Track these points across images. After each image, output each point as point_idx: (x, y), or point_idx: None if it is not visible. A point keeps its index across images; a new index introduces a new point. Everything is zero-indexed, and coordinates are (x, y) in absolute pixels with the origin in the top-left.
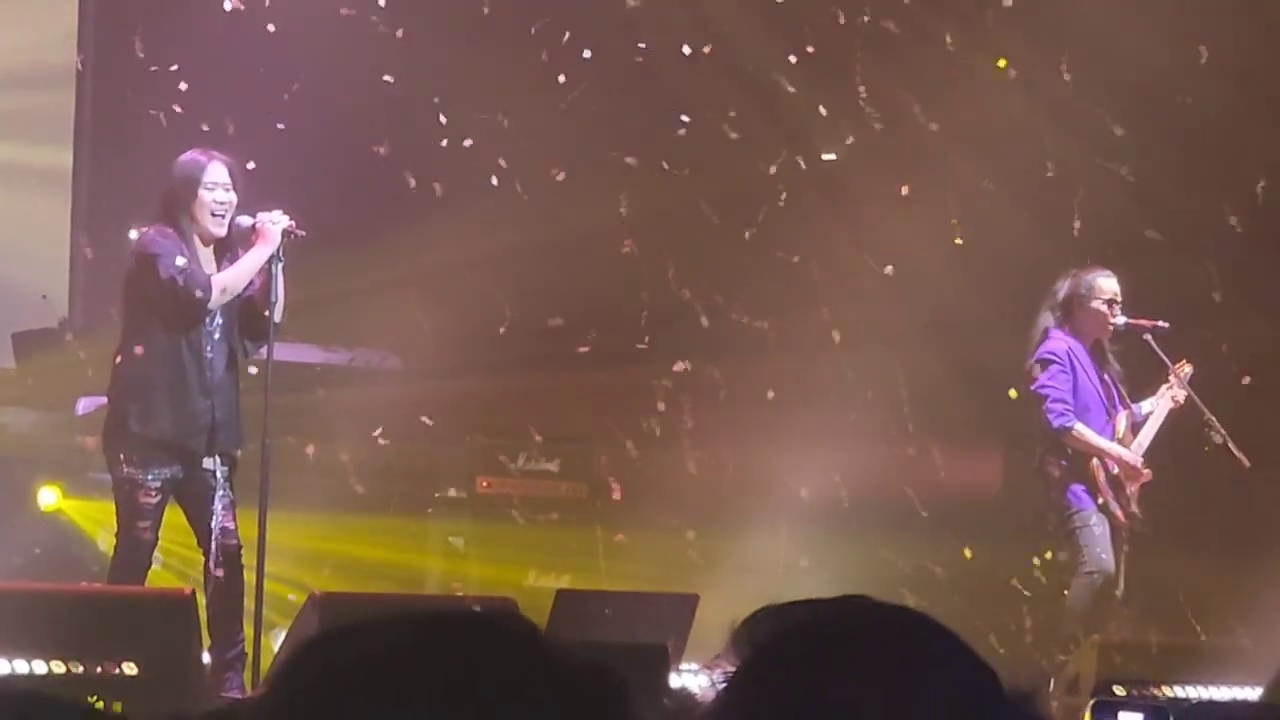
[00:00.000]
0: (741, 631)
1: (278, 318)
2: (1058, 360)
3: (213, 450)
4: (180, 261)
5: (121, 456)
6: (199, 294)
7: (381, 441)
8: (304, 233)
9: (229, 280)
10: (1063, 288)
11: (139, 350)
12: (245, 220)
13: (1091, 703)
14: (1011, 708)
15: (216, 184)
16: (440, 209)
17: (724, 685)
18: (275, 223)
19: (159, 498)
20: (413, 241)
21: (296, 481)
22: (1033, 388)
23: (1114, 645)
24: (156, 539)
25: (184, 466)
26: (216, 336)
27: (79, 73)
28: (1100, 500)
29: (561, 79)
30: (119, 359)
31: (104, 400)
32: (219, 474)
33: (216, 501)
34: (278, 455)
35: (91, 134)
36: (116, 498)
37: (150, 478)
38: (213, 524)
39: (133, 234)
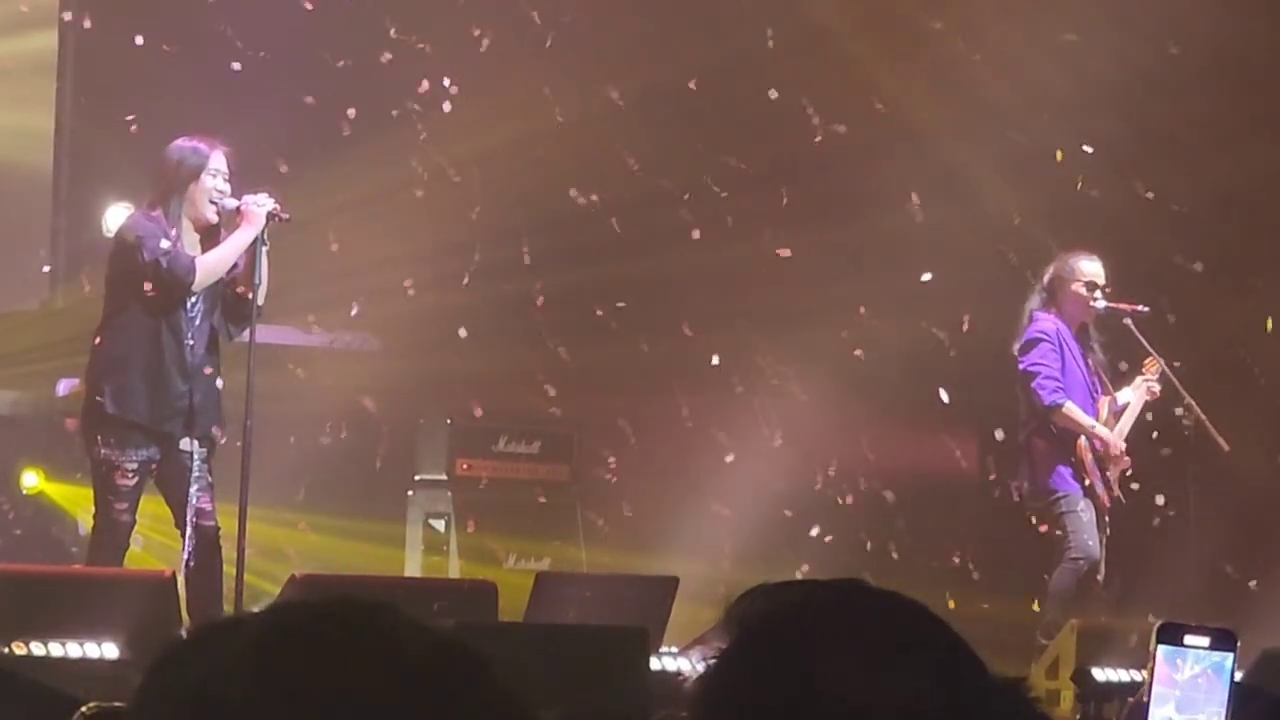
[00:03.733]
0: (733, 610)
1: (260, 300)
2: (1048, 339)
3: (190, 433)
4: (164, 244)
5: (99, 438)
6: (183, 276)
7: (361, 424)
8: (289, 216)
9: (213, 262)
10: (1048, 271)
11: (119, 332)
12: (230, 202)
13: (1157, 625)
14: (1000, 696)
15: (218, 172)
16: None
17: (712, 664)
18: (260, 205)
19: (136, 479)
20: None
21: (276, 464)
22: (1021, 366)
23: (1094, 629)
24: (134, 520)
25: (161, 449)
26: (198, 320)
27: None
28: (1086, 481)
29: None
30: (99, 340)
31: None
32: (196, 456)
33: (193, 484)
34: (258, 438)
35: (73, 114)
36: (94, 479)
37: (127, 459)
38: (189, 506)
39: (110, 209)
